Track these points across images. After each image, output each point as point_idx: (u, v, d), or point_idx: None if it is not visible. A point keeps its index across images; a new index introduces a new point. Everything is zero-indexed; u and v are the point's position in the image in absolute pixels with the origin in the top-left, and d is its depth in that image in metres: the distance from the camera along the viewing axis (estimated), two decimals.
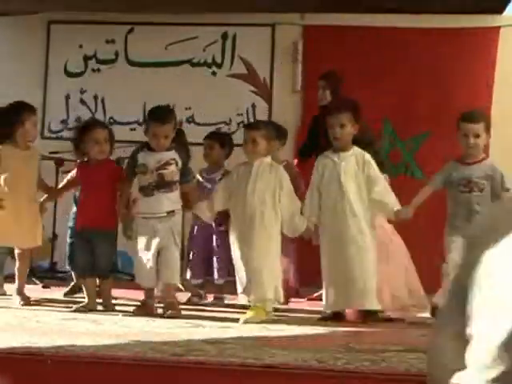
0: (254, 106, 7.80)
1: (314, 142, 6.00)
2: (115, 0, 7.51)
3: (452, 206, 4.99)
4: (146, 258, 4.87)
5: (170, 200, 4.93)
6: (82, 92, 8.12)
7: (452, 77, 7.42)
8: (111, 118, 7.94)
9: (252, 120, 7.52)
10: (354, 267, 4.76)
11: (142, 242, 4.91)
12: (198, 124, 7.64)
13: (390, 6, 7.28)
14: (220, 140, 5.82)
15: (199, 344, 3.62)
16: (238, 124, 7.64)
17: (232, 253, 4.95)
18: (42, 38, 8.17)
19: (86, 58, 8.18)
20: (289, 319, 4.85)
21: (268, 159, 5.01)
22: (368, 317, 4.80)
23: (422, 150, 6.66)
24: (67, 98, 8.13)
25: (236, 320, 4.61)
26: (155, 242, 4.86)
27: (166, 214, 4.89)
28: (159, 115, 5.05)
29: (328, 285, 4.85)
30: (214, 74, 8.01)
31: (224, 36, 8.00)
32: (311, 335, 4.17)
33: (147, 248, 4.87)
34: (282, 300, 4.90)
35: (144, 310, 4.88)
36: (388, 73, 7.40)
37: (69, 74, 8.19)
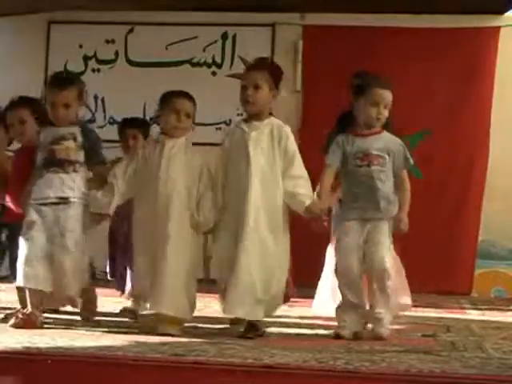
0: None
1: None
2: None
3: (348, 184, 4.21)
4: (32, 254, 4.01)
5: (65, 183, 4.04)
6: None
7: (452, 77, 7.43)
8: (111, 117, 7.94)
9: None
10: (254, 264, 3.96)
11: (26, 234, 4.05)
12: (198, 124, 7.64)
13: (390, 5, 7.27)
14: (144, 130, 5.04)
15: (199, 344, 3.62)
16: None
17: (135, 255, 4.12)
18: (42, 38, 8.17)
19: (86, 58, 8.18)
20: (289, 319, 4.85)
21: (182, 140, 4.22)
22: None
23: (422, 150, 6.66)
24: None
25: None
26: (42, 237, 4.02)
27: (56, 201, 4.03)
28: (57, 80, 4.24)
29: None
30: (213, 74, 8.02)
31: (224, 36, 8.00)
32: (311, 335, 4.17)
33: (32, 243, 4.02)
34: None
35: (27, 321, 3.97)
36: (388, 73, 7.38)
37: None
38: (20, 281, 4.06)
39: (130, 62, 8.15)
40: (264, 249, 3.99)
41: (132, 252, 4.17)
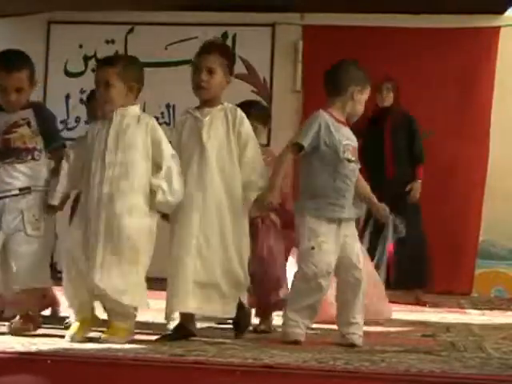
0: None
1: (370, 144, 6.04)
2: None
3: (329, 176, 3.80)
4: None
5: (23, 173, 3.75)
6: (82, 92, 8.09)
7: (452, 77, 7.42)
8: None
9: None
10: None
11: None
12: None
13: (390, 5, 7.27)
14: None
15: (199, 344, 3.62)
16: None
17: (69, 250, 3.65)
18: (42, 38, 8.17)
19: (86, 58, 8.18)
20: None
21: (135, 109, 3.75)
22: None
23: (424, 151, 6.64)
24: (67, 98, 8.13)
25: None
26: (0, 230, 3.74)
27: (17, 192, 3.75)
28: (6, 62, 3.81)
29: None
30: None
31: (224, 36, 7.99)
32: (311, 335, 4.17)
33: None
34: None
35: None
36: (388, 73, 7.39)
37: (69, 74, 8.18)
38: None
39: None
40: (224, 241, 3.75)
41: None
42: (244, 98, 5.04)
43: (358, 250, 3.88)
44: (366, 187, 4.04)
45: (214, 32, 7.97)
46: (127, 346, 3.48)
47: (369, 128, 6.23)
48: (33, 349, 3.31)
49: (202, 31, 7.96)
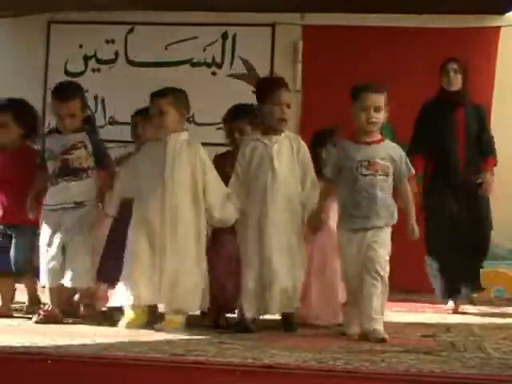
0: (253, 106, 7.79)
1: (429, 133, 5.76)
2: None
3: (349, 193, 4.22)
4: (49, 254, 4.35)
5: (79, 189, 4.37)
6: None
7: None
8: (111, 117, 7.94)
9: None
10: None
11: (45, 236, 4.39)
12: (198, 124, 7.64)
13: (390, 6, 7.27)
14: None
15: (199, 344, 3.63)
16: None
17: (129, 255, 4.23)
18: (42, 38, 8.17)
19: (86, 58, 8.18)
20: None
21: (185, 134, 4.35)
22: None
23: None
24: None
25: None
26: (59, 237, 4.34)
27: (73, 205, 4.35)
28: (61, 92, 4.45)
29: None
30: (213, 74, 8.02)
31: (224, 36, 8.00)
32: (311, 335, 4.17)
33: (49, 243, 4.36)
34: (205, 308, 4.33)
35: (49, 317, 4.33)
36: (388, 73, 7.39)
37: (69, 74, 8.18)
38: (43, 280, 4.44)
39: (130, 62, 8.15)
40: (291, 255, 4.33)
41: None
42: (244, 97, 5.07)
43: (382, 257, 4.14)
44: (407, 202, 4.32)
45: (214, 32, 7.99)
46: (127, 346, 3.49)
47: (437, 115, 5.83)
48: (33, 349, 3.31)
49: (201, 31, 7.98)
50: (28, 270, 4.67)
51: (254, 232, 4.30)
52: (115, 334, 3.99)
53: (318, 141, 4.89)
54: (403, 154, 4.32)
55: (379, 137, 4.31)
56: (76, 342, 3.57)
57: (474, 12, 7.33)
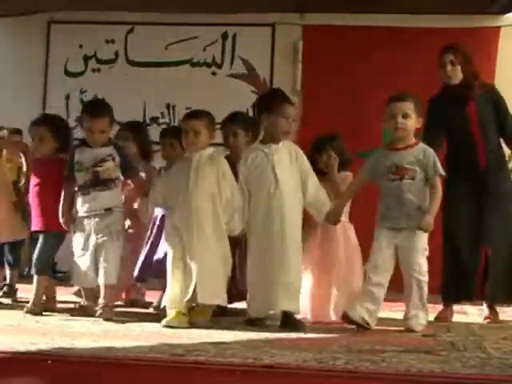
0: (254, 106, 7.80)
1: (440, 128, 5.17)
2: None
3: (382, 195, 4.61)
4: (83, 257, 4.75)
5: (108, 198, 4.78)
6: (82, 92, 8.12)
7: None
8: None
9: None
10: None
11: (78, 241, 4.78)
12: None
13: (391, 6, 7.28)
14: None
15: (199, 344, 3.63)
16: None
17: (170, 258, 4.60)
18: (42, 38, 8.18)
19: (86, 58, 8.19)
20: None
21: (210, 150, 4.68)
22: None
23: None
24: (67, 98, 8.14)
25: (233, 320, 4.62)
26: (92, 241, 4.74)
27: (103, 212, 4.75)
28: (93, 109, 4.89)
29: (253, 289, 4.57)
30: (213, 74, 8.02)
31: (224, 36, 8.01)
32: (311, 335, 4.17)
33: (84, 247, 4.75)
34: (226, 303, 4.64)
35: (84, 311, 4.80)
36: (388, 73, 7.40)
37: (69, 74, 8.20)
38: (73, 282, 4.93)
39: (130, 62, 8.16)
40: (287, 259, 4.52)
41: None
42: (244, 97, 5.08)
43: (415, 259, 4.49)
44: (431, 198, 4.51)
45: (214, 32, 7.99)
46: (127, 346, 3.49)
47: (445, 115, 5.23)
48: (33, 349, 3.31)
49: (201, 31, 7.98)
50: (48, 269, 5.05)
51: (259, 236, 4.57)
52: (115, 334, 3.99)
53: (316, 147, 5.05)
54: (432, 156, 4.52)
55: (411, 142, 4.55)
56: (76, 341, 3.57)
57: (474, 12, 7.34)
